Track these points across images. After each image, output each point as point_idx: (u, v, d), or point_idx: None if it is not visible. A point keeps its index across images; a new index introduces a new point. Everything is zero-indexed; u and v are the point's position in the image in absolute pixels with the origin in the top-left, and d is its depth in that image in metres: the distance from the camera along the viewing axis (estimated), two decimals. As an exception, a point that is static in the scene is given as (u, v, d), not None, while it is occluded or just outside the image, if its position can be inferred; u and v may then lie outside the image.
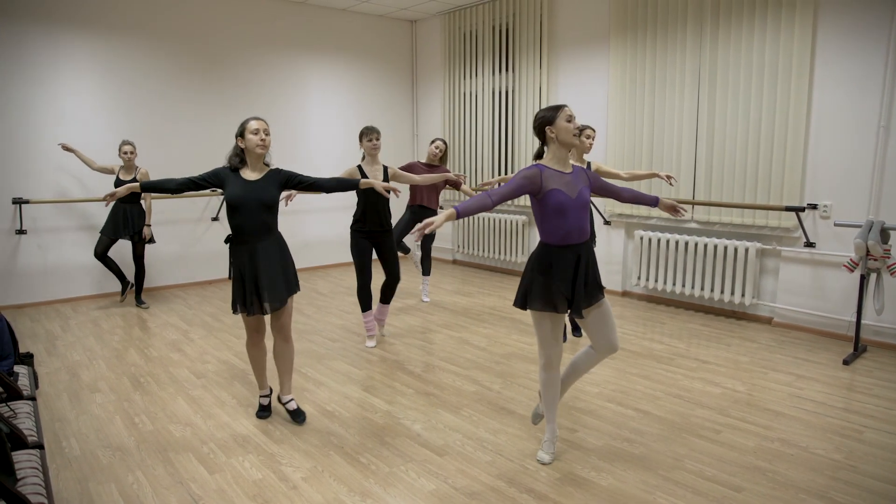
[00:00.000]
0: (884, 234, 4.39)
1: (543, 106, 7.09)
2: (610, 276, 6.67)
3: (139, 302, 6.26)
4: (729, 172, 5.52)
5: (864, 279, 4.55)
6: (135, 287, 6.27)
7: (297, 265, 8.57)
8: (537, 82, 7.16)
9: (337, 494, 2.79)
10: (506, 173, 7.75)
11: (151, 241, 6.11)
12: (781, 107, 5.13)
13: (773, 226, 5.31)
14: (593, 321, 2.97)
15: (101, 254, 5.98)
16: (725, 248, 5.56)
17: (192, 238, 7.20)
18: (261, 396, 3.65)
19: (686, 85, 5.74)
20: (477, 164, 8.10)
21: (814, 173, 5.06)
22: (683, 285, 5.93)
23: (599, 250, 6.75)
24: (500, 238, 7.79)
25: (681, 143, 5.81)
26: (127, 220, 5.94)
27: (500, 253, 7.84)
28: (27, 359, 3.99)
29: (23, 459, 2.36)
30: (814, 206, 5.07)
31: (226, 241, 3.38)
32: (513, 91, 7.52)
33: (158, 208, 6.88)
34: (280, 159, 7.74)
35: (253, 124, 3.26)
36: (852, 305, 4.83)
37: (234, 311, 3.39)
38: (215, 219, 7.33)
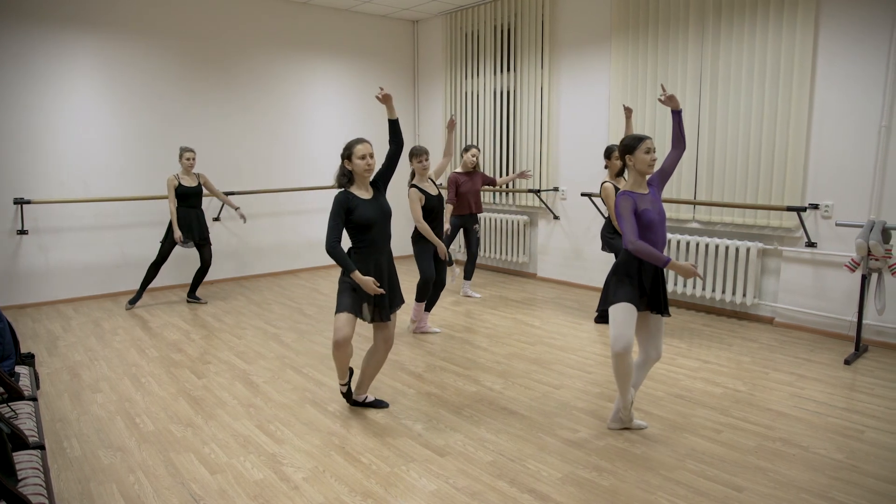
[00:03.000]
0: (885, 234, 4.38)
1: (545, 106, 7.10)
2: (611, 276, 6.66)
3: (196, 298, 6.43)
4: (730, 172, 5.52)
5: (865, 279, 4.54)
6: (193, 283, 6.41)
7: (300, 265, 8.66)
8: (539, 82, 7.16)
9: (338, 495, 2.79)
10: (507, 173, 7.75)
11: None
12: (783, 106, 5.13)
13: (775, 226, 5.30)
14: (654, 327, 3.29)
15: (160, 263, 6.11)
16: (727, 248, 5.55)
17: (194, 238, 7.20)
18: (343, 384, 3.67)
19: (687, 85, 5.74)
20: (479, 164, 8.07)
21: (815, 173, 5.06)
22: (685, 285, 5.93)
23: (600, 251, 6.75)
24: (502, 238, 7.79)
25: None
26: (198, 224, 6.14)
27: (501, 253, 7.84)
28: (28, 359, 3.99)
29: (24, 460, 2.36)
30: (815, 206, 5.06)
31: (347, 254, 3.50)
32: (514, 91, 7.51)
33: (159, 209, 6.88)
34: (283, 159, 7.76)
35: (360, 149, 3.42)
36: (854, 305, 4.82)
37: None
38: (217, 219, 7.33)
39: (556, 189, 7.16)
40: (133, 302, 6.18)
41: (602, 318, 5.52)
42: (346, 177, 3.47)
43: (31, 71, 6.05)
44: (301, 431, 3.43)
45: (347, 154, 3.44)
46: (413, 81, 8.97)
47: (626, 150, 3.22)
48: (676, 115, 3.29)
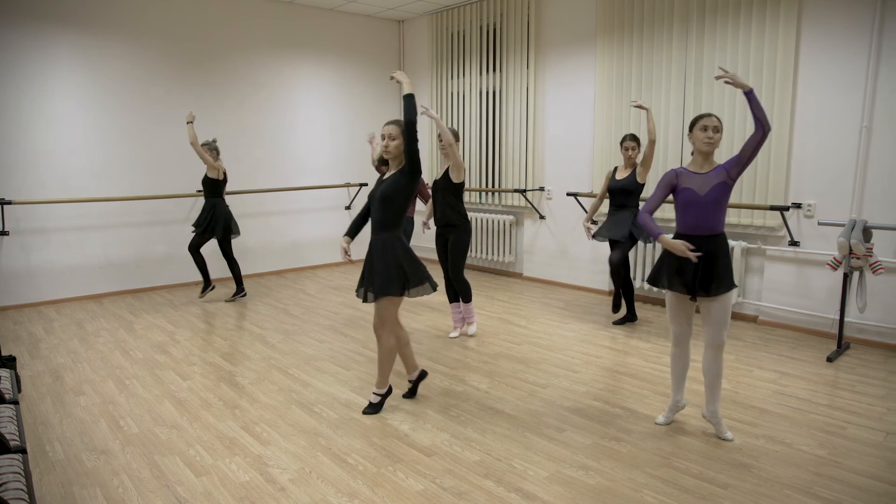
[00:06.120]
0: (866, 233, 4.43)
1: (531, 106, 7.12)
2: (596, 275, 6.70)
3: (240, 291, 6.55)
4: (714, 172, 5.56)
5: (847, 277, 4.60)
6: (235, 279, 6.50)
7: (285, 265, 8.58)
8: (524, 82, 7.18)
9: (325, 496, 2.78)
10: (494, 174, 7.75)
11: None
12: (766, 107, 5.17)
13: (759, 225, 5.35)
14: (706, 311, 3.23)
15: (195, 248, 6.25)
16: (711, 247, 5.59)
17: (181, 239, 7.15)
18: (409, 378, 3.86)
19: (672, 84, 5.78)
20: (464, 165, 8.10)
21: (798, 173, 5.11)
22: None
23: (586, 249, 6.78)
24: (489, 238, 7.80)
25: (667, 143, 5.84)
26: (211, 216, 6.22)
27: (487, 253, 7.84)
28: (9, 362, 3.95)
29: (5, 464, 2.33)
30: (798, 206, 5.12)
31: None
32: (500, 91, 7.53)
33: (146, 209, 6.83)
34: (267, 160, 7.72)
35: (382, 129, 3.50)
36: (836, 303, 4.88)
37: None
38: (201, 219, 7.27)
39: (541, 189, 7.18)
40: (240, 293, 6.47)
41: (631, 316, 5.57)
42: (380, 157, 3.59)
43: (10, 70, 5.97)
44: (287, 433, 3.41)
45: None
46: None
47: (689, 128, 3.23)
48: (748, 95, 3.03)
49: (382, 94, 8.77)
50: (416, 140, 3.41)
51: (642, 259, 6.15)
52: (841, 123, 4.84)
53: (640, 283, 6.17)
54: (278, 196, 7.87)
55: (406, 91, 3.42)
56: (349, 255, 3.59)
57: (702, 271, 3.15)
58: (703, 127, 3.13)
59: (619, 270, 5.19)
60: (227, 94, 7.34)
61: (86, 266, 6.58)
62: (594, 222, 6.59)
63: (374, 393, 3.70)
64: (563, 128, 6.89)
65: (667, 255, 3.27)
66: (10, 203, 5.97)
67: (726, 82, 3.12)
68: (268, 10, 7.56)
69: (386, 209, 3.46)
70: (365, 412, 3.64)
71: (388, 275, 3.45)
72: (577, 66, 6.67)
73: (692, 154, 3.27)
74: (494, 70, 7.58)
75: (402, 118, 3.54)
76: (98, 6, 6.38)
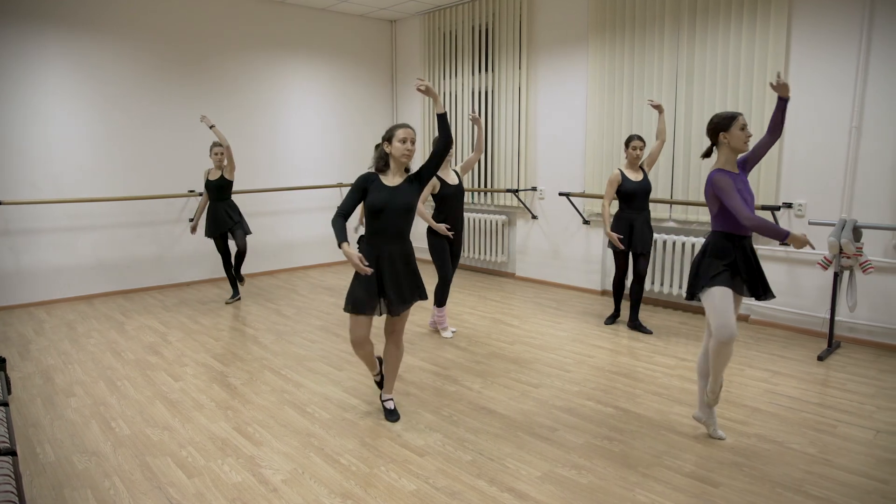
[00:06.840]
0: (856, 233, 4.47)
1: (523, 106, 7.13)
2: (589, 275, 6.71)
3: (240, 277, 6.49)
4: (706, 171, 5.58)
5: (837, 277, 4.63)
6: (235, 267, 6.43)
7: (278, 266, 8.57)
8: (517, 82, 7.18)
9: (317, 496, 2.77)
10: (486, 174, 7.76)
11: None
12: (757, 107, 5.21)
13: (749, 224, 5.37)
14: (735, 309, 3.20)
15: (225, 253, 6.35)
16: (703, 246, 5.62)
17: (171, 239, 7.12)
18: (375, 374, 3.72)
19: (664, 84, 5.80)
20: (457, 164, 8.10)
21: (788, 173, 5.14)
22: (662, 284, 5.99)
23: (579, 249, 6.79)
24: (481, 238, 7.80)
25: (658, 143, 5.86)
26: (223, 216, 6.20)
27: (480, 253, 7.85)
28: (-1, 363, 3.92)
29: (-5, 466, 2.31)
30: (789, 205, 5.15)
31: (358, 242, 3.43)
32: (493, 91, 7.53)
33: (138, 210, 6.80)
34: (260, 161, 7.70)
35: (401, 133, 3.29)
36: (826, 303, 4.91)
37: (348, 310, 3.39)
38: (192, 220, 7.24)
39: (534, 189, 7.19)
40: (235, 296, 6.46)
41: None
42: (382, 160, 3.36)
43: (4, 69, 5.92)
44: (279, 433, 3.40)
45: (388, 136, 3.32)
46: (391, 81, 8.95)
47: (719, 128, 3.15)
48: (783, 102, 3.13)
49: (375, 93, 8.76)
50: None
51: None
52: (831, 124, 4.87)
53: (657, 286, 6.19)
54: (271, 196, 7.85)
55: (440, 110, 3.33)
56: (367, 263, 3.28)
57: (756, 268, 3.17)
58: (743, 126, 3.10)
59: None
60: (220, 95, 7.31)
61: (76, 267, 6.54)
62: (587, 222, 6.61)
63: (389, 399, 3.65)
64: (556, 127, 6.90)
65: (720, 256, 3.13)
66: (0, 203, 5.94)
67: (771, 85, 3.18)
68: (260, 10, 7.54)
69: (408, 218, 3.36)
70: (393, 420, 3.56)
71: (417, 282, 3.44)
72: (569, 66, 6.69)
73: (704, 156, 3.33)
74: (487, 70, 7.58)
75: (412, 125, 3.50)
76: (89, 6, 6.34)
